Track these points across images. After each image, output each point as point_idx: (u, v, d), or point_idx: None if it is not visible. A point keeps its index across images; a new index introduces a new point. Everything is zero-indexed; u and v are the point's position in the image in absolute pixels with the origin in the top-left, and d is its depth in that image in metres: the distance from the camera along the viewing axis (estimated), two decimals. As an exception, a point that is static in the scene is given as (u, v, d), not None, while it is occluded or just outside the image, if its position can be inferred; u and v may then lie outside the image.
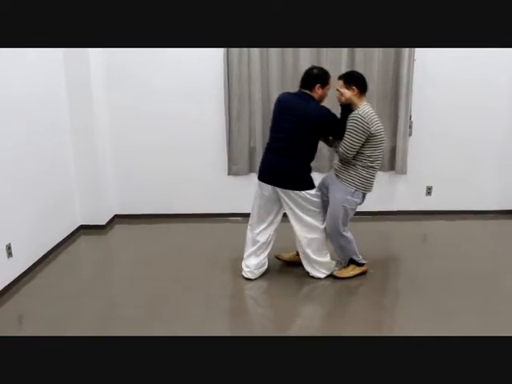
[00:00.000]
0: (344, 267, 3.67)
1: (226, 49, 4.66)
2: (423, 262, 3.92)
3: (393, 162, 5.05)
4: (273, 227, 3.58)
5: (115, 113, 4.90)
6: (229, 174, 5.04)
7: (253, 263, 3.58)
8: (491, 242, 4.55)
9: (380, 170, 5.05)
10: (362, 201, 3.54)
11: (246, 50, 4.67)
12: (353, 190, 3.43)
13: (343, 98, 3.41)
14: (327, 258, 3.60)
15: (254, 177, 5.02)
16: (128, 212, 5.15)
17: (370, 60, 4.75)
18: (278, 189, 3.40)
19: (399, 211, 5.05)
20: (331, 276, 3.63)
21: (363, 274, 3.68)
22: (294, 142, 3.32)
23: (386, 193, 5.15)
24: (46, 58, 4.11)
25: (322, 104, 3.45)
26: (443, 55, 4.74)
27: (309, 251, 3.53)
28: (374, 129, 3.30)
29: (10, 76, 3.55)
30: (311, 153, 3.42)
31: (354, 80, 3.38)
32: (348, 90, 3.35)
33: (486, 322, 3.05)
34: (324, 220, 3.53)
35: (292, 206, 3.42)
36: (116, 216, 5.14)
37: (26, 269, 3.73)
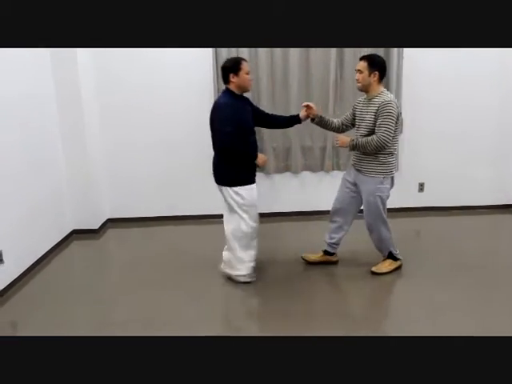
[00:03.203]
0: (381, 262, 3.71)
1: (214, 49, 4.65)
2: (417, 258, 3.93)
3: (385, 160, 5.04)
4: (228, 225, 3.60)
5: (106, 115, 4.88)
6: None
7: (225, 258, 3.70)
8: (485, 237, 4.56)
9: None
10: (392, 184, 3.58)
11: (234, 50, 4.66)
12: (382, 178, 3.45)
13: (360, 85, 3.39)
14: (251, 256, 3.60)
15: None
16: (121, 215, 5.13)
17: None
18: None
19: (392, 208, 5.01)
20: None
21: (399, 268, 3.71)
22: (212, 138, 3.45)
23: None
24: (33, 59, 4.09)
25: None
26: (432, 53, 4.76)
27: (236, 246, 3.56)
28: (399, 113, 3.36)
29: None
30: (222, 148, 3.38)
31: (378, 64, 3.34)
32: (370, 73, 3.31)
33: (482, 320, 3.04)
34: (250, 222, 3.48)
35: (223, 201, 3.54)
36: (109, 220, 5.12)
37: (18, 275, 3.71)
